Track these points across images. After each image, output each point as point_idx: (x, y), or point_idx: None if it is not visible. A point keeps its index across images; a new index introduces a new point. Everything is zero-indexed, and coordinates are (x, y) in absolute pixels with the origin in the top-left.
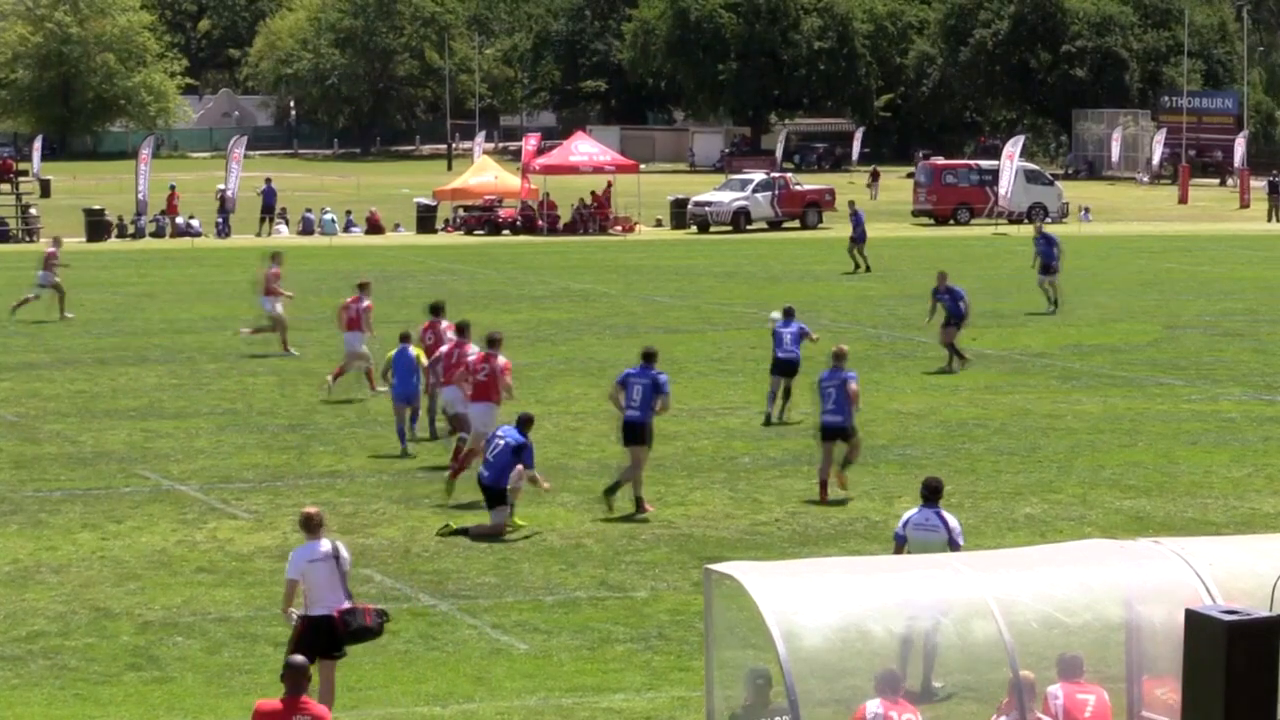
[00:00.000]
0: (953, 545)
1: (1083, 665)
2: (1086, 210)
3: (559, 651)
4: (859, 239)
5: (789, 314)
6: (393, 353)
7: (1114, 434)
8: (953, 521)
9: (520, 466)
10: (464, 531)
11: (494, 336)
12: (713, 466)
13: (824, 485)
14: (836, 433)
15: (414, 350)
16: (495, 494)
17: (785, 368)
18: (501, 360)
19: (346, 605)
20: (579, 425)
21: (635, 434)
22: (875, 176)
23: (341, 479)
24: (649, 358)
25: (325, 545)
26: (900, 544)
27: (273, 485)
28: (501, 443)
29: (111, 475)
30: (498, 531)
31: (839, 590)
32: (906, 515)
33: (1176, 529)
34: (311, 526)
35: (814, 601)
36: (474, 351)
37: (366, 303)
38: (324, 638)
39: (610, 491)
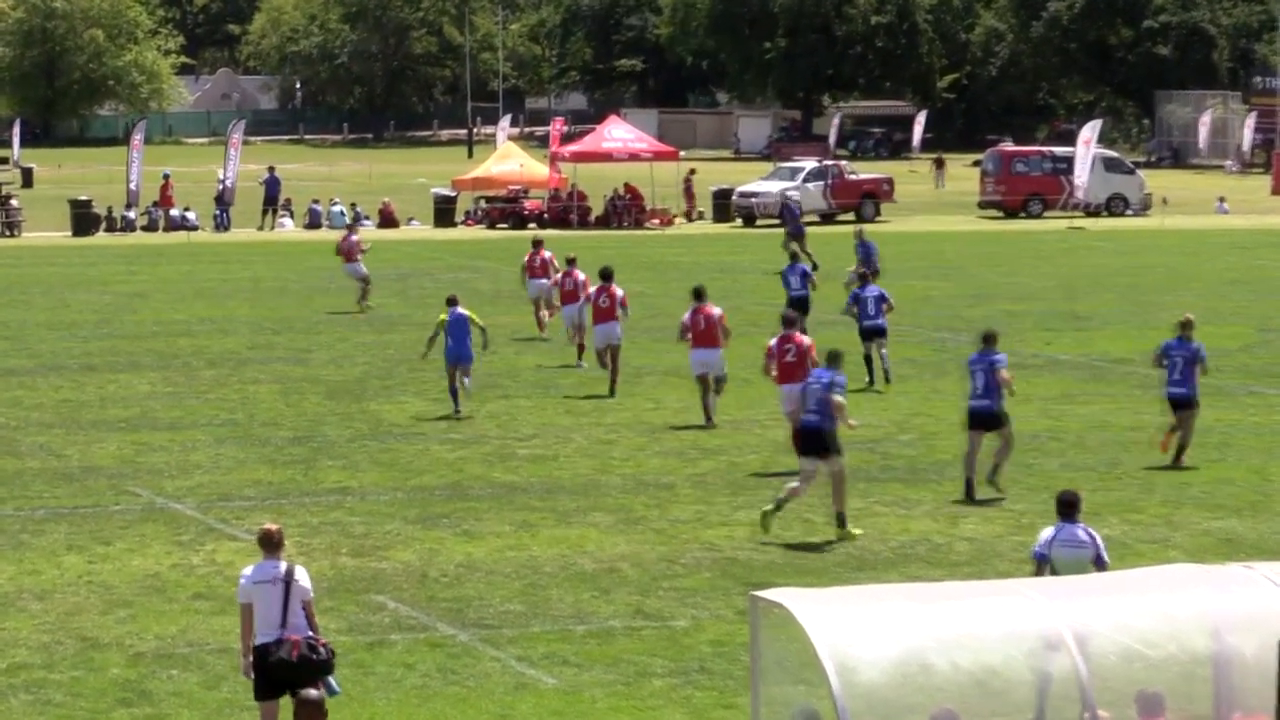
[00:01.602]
0: (1099, 563)
1: (1164, 702)
2: (1222, 200)
3: (591, 687)
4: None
5: (864, 279)
6: (445, 315)
7: (1201, 448)
8: (1099, 537)
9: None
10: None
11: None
12: (759, 484)
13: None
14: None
15: (466, 311)
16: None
17: (873, 333)
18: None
19: (277, 635)
20: (613, 438)
21: (989, 420)
22: (940, 164)
23: (352, 496)
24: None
25: (280, 566)
26: (1041, 564)
27: (276, 503)
28: (817, 385)
29: (100, 492)
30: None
31: (898, 620)
32: (1048, 533)
33: (1270, 552)
34: (270, 545)
35: (871, 632)
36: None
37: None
38: (280, 671)
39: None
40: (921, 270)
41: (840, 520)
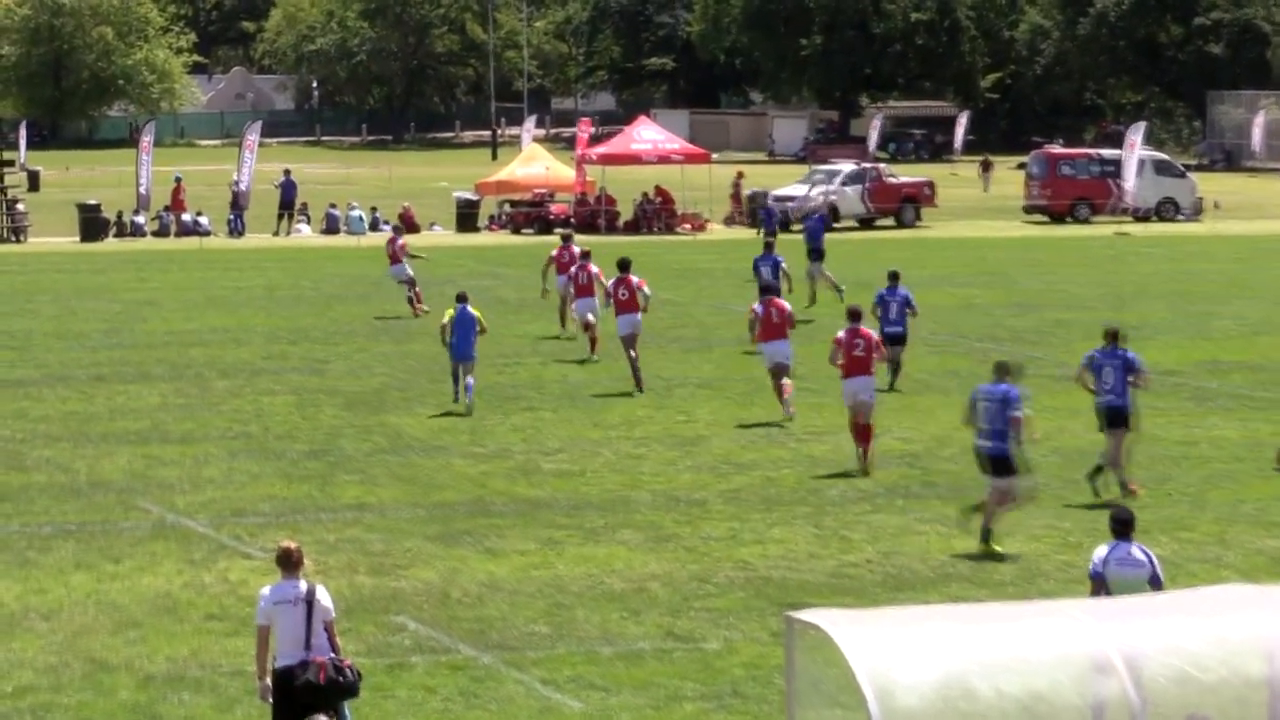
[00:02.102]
0: (1155, 583)
1: None
2: None
3: (619, 711)
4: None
5: (894, 278)
6: (453, 310)
7: (1255, 463)
8: (1154, 556)
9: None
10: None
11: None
12: (794, 499)
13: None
14: (1118, 417)
15: (475, 311)
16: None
17: (892, 339)
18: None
19: (301, 657)
20: (642, 452)
21: (1116, 417)
22: (986, 167)
23: (370, 512)
24: (1114, 337)
25: (300, 586)
26: (1098, 583)
27: (292, 519)
28: (989, 403)
29: (109, 508)
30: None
31: (940, 642)
32: (1101, 551)
33: None
34: (289, 563)
35: (911, 655)
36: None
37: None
38: (307, 695)
39: (1093, 476)
40: (964, 277)
41: (985, 536)
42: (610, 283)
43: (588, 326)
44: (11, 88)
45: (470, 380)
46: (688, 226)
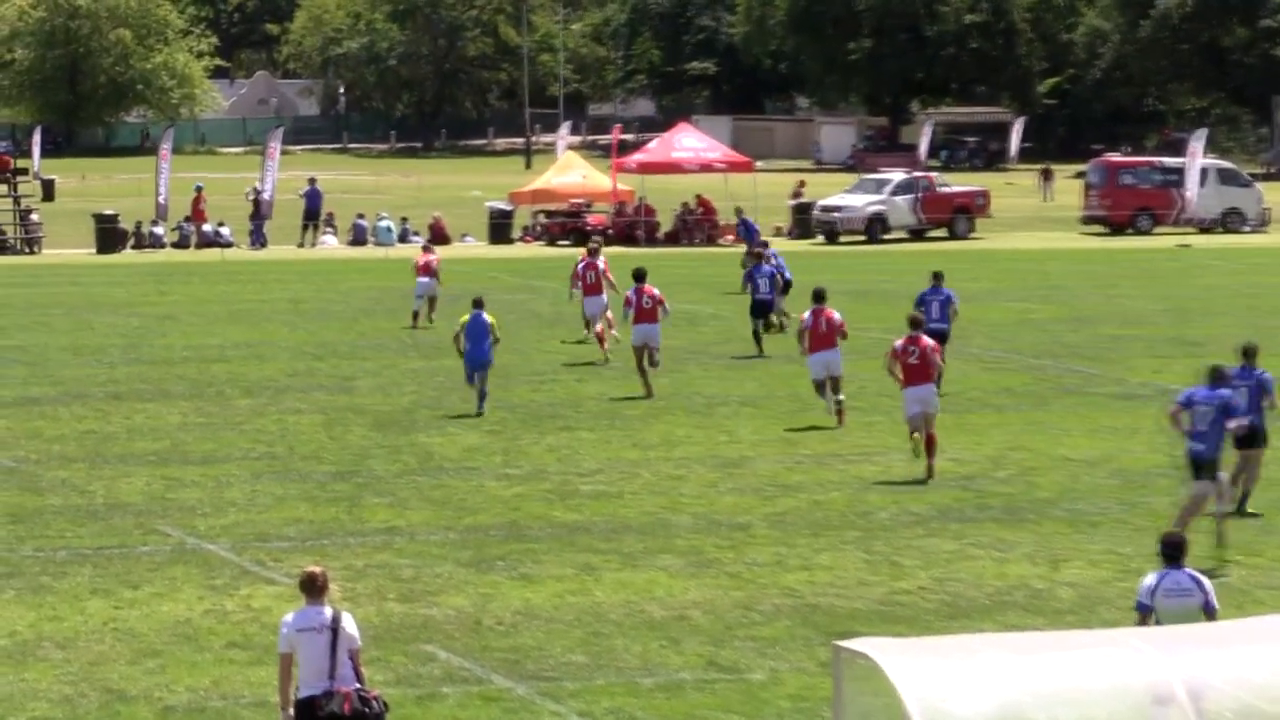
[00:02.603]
0: (1208, 610)
1: None
2: None
3: None
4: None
5: (938, 278)
6: (466, 317)
7: None
8: (1207, 582)
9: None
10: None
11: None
12: (843, 523)
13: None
14: (1248, 436)
15: (489, 318)
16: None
17: (934, 337)
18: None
19: (325, 687)
20: (682, 473)
21: (1249, 439)
22: (1047, 175)
23: (400, 537)
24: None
25: (325, 613)
26: (1145, 616)
27: (318, 544)
28: (1207, 408)
29: (126, 531)
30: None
31: (995, 673)
32: (1149, 581)
33: None
34: (314, 589)
35: (965, 686)
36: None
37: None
38: None
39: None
40: (1019, 291)
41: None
42: (629, 291)
43: (594, 324)
44: (25, 93)
45: (485, 388)
46: (730, 238)
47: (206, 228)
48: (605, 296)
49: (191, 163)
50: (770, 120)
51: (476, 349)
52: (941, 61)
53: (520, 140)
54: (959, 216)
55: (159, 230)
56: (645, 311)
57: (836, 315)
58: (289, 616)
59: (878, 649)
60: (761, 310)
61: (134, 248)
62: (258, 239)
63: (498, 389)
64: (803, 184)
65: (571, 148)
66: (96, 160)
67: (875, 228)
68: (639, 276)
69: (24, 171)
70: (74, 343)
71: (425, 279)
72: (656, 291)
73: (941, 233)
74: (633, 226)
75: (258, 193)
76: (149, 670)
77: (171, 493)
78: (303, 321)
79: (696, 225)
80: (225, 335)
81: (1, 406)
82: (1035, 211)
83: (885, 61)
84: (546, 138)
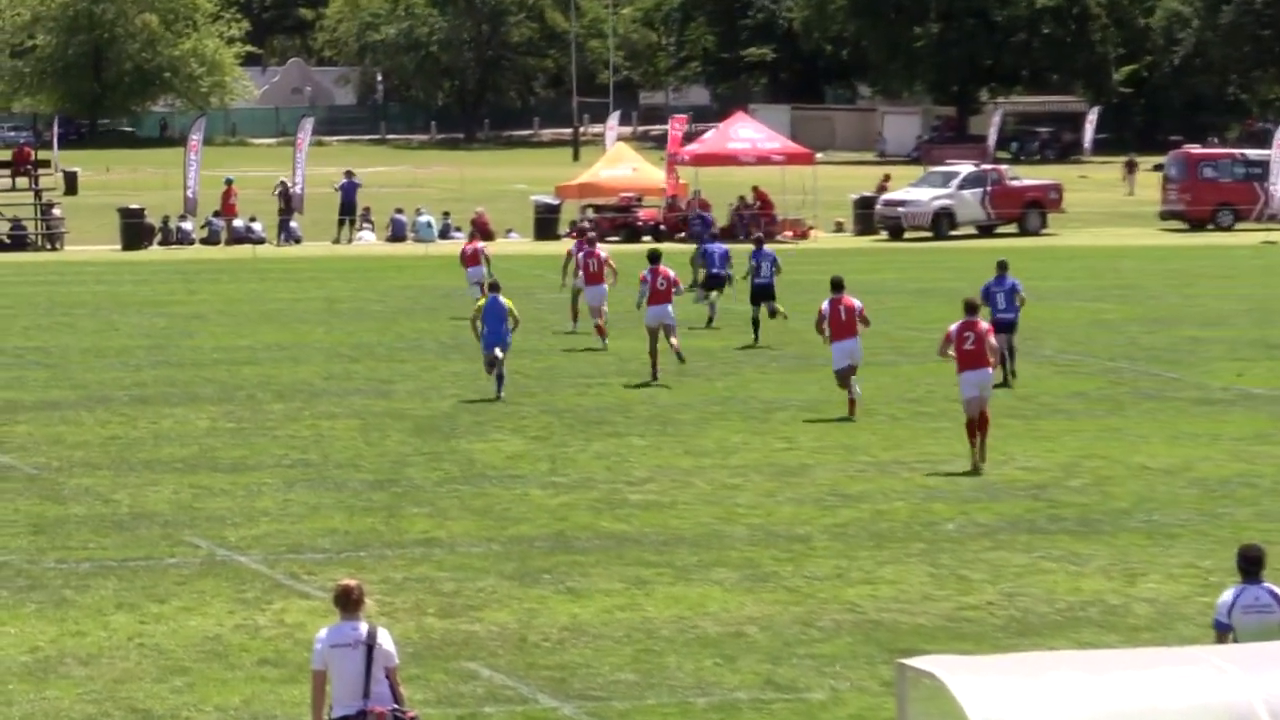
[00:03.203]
0: None
1: None
2: None
3: None
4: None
5: (1002, 267)
6: (483, 301)
7: None
8: None
9: None
10: None
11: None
12: (908, 535)
13: None
14: None
15: (506, 302)
16: None
17: (1002, 327)
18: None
19: (359, 707)
20: (738, 482)
21: None
22: (1131, 167)
23: (440, 548)
24: None
25: (360, 628)
26: (1224, 633)
27: (354, 556)
28: None
29: (153, 542)
30: None
31: (1066, 693)
32: (1227, 597)
33: None
34: (349, 603)
35: (1035, 706)
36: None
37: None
38: None
39: None
40: (1094, 291)
41: None
42: (644, 272)
43: (595, 314)
44: (47, 81)
45: (503, 371)
46: (789, 234)
47: (237, 223)
48: (605, 286)
49: (221, 154)
50: (831, 110)
51: (495, 329)
52: (1012, 48)
53: (567, 131)
54: (1030, 211)
55: (187, 226)
56: (660, 293)
57: (856, 302)
58: (323, 632)
59: (944, 667)
60: (761, 295)
61: (161, 244)
62: (287, 235)
63: (542, 392)
64: (887, 178)
65: (621, 139)
66: (122, 152)
67: (942, 223)
68: (654, 258)
69: (45, 163)
70: (98, 344)
71: (475, 268)
72: (672, 273)
73: (1012, 228)
74: (686, 221)
75: (286, 187)
76: (176, 689)
77: (200, 502)
78: (338, 322)
79: (753, 220)
80: (256, 336)
81: (22, 411)
82: (1111, 206)
83: (952, 48)
84: (595, 128)
